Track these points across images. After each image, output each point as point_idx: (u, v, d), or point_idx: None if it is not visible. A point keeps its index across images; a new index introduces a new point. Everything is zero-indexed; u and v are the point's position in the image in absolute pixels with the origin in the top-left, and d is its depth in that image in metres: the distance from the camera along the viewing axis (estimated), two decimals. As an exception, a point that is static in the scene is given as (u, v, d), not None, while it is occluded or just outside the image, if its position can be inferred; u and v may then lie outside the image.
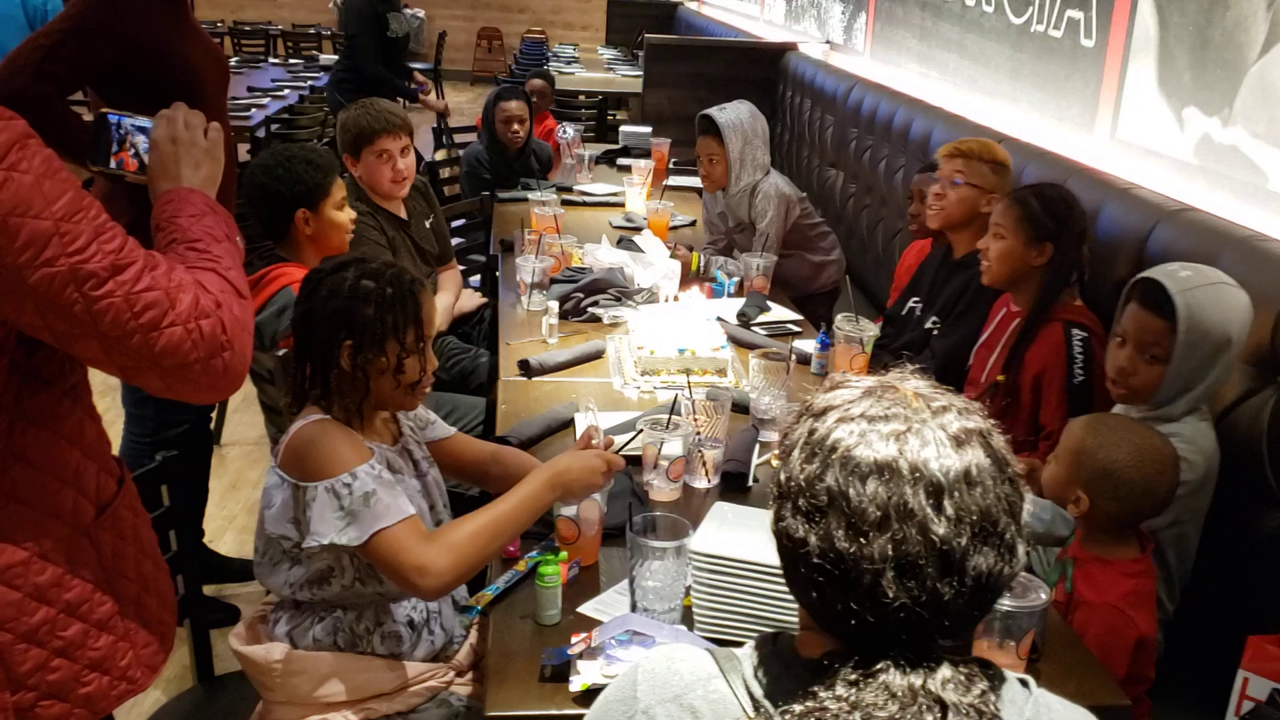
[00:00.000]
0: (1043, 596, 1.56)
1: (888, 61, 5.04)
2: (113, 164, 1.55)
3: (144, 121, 1.54)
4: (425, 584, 1.67)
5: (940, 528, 0.90)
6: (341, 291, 1.76)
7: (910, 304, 3.08)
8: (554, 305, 2.88)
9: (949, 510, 0.90)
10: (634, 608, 1.64)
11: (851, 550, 0.90)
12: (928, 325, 2.95)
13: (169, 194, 1.48)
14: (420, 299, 1.81)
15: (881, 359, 3.03)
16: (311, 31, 11.78)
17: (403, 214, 3.34)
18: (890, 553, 0.89)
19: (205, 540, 3.34)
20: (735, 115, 3.69)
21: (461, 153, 5.01)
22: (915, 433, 0.92)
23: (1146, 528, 1.94)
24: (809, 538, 0.93)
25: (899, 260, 3.61)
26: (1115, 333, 2.12)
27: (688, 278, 3.43)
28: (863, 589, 0.90)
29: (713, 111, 3.70)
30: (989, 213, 2.83)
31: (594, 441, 1.89)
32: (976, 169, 2.85)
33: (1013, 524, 0.93)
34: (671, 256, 3.41)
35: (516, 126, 4.69)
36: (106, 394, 4.27)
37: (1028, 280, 2.50)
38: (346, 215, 2.72)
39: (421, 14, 13.82)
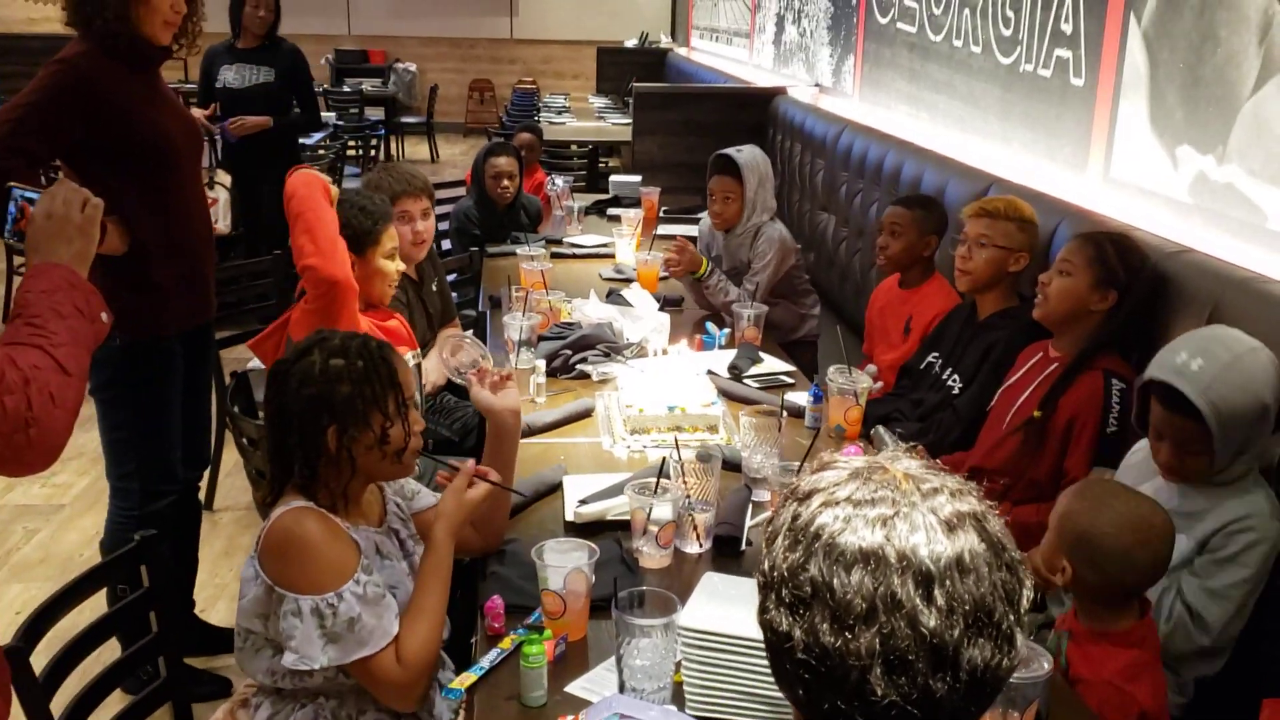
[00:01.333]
0: (1045, 666, 1.48)
1: (877, 103, 5.02)
2: (6, 234, 1.65)
3: (35, 193, 1.61)
4: (401, 707, 1.73)
5: (931, 619, 0.83)
6: (313, 377, 1.71)
7: (930, 359, 3.02)
8: (541, 364, 2.82)
9: (940, 600, 0.84)
10: (622, 688, 1.56)
11: (837, 645, 0.85)
12: (949, 383, 2.90)
13: (34, 268, 1.53)
14: (393, 363, 1.77)
15: (896, 406, 2.99)
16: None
17: (414, 276, 3.34)
18: (878, 647, 0.84)
19: (197, 610, 3.27)
20: (752, 156, 3.76)
21: (451, 209, 4.97)
22: (904, 517, 0.87)
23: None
24: (793, 631, 0.87)
25: (870, 302, 3.58)
26: (1151, 427, 2.03)
27: (694, 282, 3.63)
28: (850, 686, 0.85)
29: (730, 151, 3.76)
30: (1017, 271, 2.79)
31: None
32: (1003, 229, 2.78)
33: (1010, 612, 0.87)
34: (668, 258, 3.58)
35: (506, 182, 4.67)
36: (95, 465, 4.22)
37: (1079, 324, 2.43)
38: (394, 266, 2.69)
39: (414, 68, 13.91)
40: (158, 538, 1.95)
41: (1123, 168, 2.88)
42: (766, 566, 0.92)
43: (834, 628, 0.85)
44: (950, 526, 0.87)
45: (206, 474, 3.54)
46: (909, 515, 0.87)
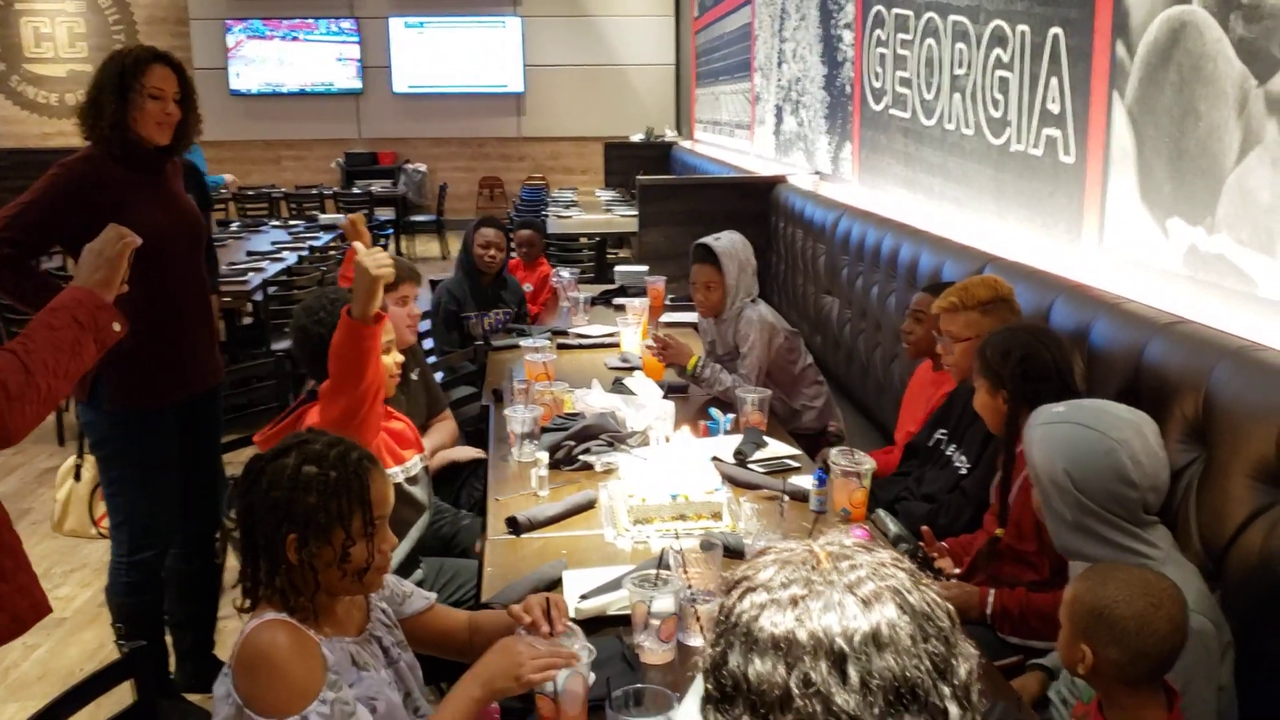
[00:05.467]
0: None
1: (875, 188, 5.08)
2: None
3: None
4: None
5: (846, 699, 0.81)
6: (282, 481, 1.68)
7: (937, 435, 3.00)
8: (543, 456, 2.82)
9: (854, 678, 0.82)
10: (620, 789, 1.53)
11: None
12: (955, 464, 2.88)
13: (68, 288, 2.02)
14: (368, 479, 1.73)
15: (904, 485, 2.97)
16: (314, 192, 12.05)
17: None
18: None
19: (215, 651, 3.45)
20: (730, 243, 3.78)
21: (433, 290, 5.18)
22: (817, 596, 0.85)
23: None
24: None
25: (908, 384, 3.55)
26: None
27: (690, 376, 3.62)
28: None
29: (708, 240, 3.79)
30: None
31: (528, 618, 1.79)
32: (965, 319, 2.79)
33: (941, 683, 0.84)
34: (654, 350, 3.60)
35: (494, 252, 4.98)
36: (98, 577, 4.18)
37: (1014, 427, 2.43)
38: (391, 359, 2.70)
39: (424, 168, 14.16)
40: (147, 650, 1.95)
41: (1116, 241, 2.90)
42: (700, 662, 0.91)
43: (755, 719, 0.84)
44: (866, 602, 0.85)
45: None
46: (823, 594, 0.86)
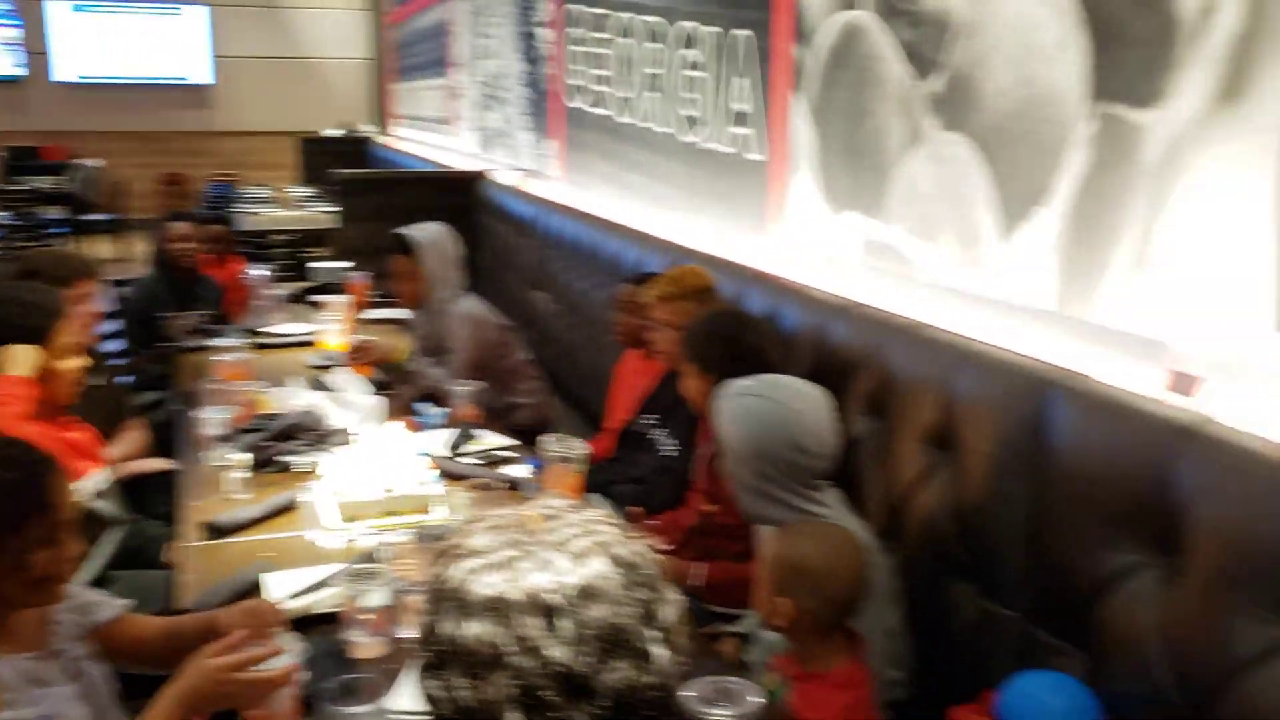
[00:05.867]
0: (759, 700, 1.53)
1: (579, 185, 5.17)
2: None
3: None
4: None
5: (556, 650, 0.84)
6: None
7: (646, 420, 3.08)
8: (241, 457, 2.68)
9: (566, 630, 0.85)
10: (336, 784, 1.49)
11: (473, 697, 0.85)
12: (663, 447, 2.96)
13: None
14: (49, 480, 1.60)
15: (617, 470, 3.03)
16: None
17: None
18: (510, 690, 0.84)
19: None
20: (429, 233, 3.72)
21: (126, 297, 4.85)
22: (528, 555, 0.88)
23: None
24: (438, 695, 0.86)
25: (615, 373, 3.63)
26: None
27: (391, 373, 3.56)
28: None
29: (404, 230, 3.70)
30: None
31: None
32: (680, 308, 2.87)
33: (647, 627, 0.88)
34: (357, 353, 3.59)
35: (189, 245, 4.83)
36: None
37: None
38: (74, 364, 2.45)
39: (99, 163, 13.10)
40: None
41: (801, 234, 3.10)
42: (414, 633, 0.92)
43: (469, 681, 0.85)
44: (577, 557, 0.88)
45: None
46: (534, 553, 0.88)
